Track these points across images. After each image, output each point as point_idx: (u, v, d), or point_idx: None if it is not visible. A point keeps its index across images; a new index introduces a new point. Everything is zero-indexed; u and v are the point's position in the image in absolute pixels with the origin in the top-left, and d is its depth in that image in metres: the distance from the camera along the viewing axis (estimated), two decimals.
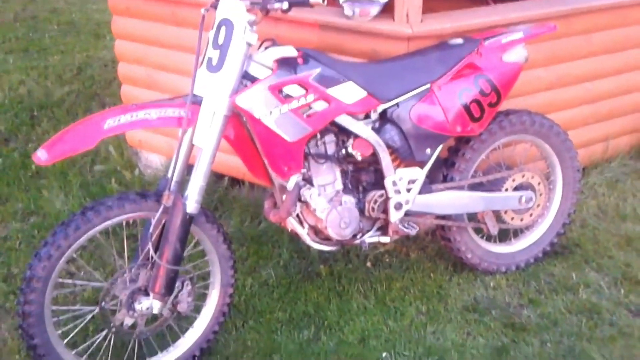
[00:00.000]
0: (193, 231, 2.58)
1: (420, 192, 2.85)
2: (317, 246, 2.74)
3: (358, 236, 2.81)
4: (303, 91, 2.50)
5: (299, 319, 2.92)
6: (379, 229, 2.86)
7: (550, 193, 3.26)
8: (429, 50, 2.84)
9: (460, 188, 2.95)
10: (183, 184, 2.48)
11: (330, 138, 2.67)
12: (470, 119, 2.82)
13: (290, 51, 2.53)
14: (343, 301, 3.04)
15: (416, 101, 2.73)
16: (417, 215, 2.90)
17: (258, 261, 3.30)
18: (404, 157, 2.77)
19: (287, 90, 2.49)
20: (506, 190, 3.06)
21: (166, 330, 2.63)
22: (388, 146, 2.73)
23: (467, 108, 2.79)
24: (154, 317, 2.55)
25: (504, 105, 2.96)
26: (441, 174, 2.99)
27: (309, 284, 3.13)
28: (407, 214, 2.86)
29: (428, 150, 2.80)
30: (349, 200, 2.71)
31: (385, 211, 2.80)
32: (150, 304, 2.46)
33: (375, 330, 2.86)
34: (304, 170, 2.65)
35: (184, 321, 2.69)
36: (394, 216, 2.80)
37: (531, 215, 3.15)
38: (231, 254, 2.67)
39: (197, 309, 2.68)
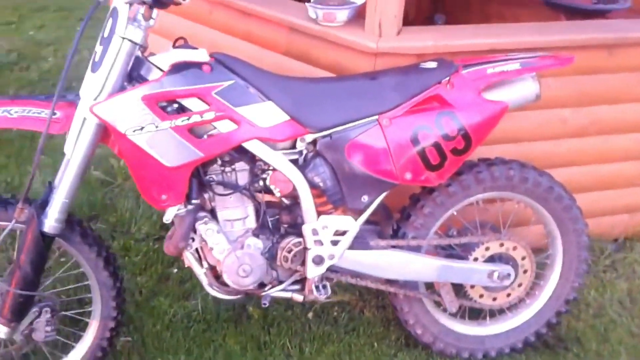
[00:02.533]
0: (69, 251, 2.11)
1: (352, 247, 2.18)
2: (213, 292, 2.17)
3: (267, 287, 2.19)
4: (205, 107, 1.93)
5: None
6: (297, 282, 2.23)
7: (546, 270, 2.46)
8: (390, 72, 2.18)
9: (414, 249, 2.24)
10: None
11: (242, 166, 2.09)
12: (426, 166, 2.12)
13: (198, 55, 1.97)
14: (261, 355, 2.44)
15: (356, 135, 2.07)
16: (349, 274, 2.23)
17: (195, 287, 2.76)
18: (334, 201, 2.13)
19: (185, 103, 1.93)
20: (475, 260, 2.31)
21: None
22: (313, 186, 2.09)
23: (421, 152, 2.10)
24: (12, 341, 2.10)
25: (499, 150, 2.23)
26: (391, 227, 2.30)
27: (233, 326, 2.57)
28: (333, 270, 2.20)
29: (364, 198, 2.13)
30: (254, 244, 2.11)
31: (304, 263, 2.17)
32: None
33: None
34: (206, 200, 2.09)
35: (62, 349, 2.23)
36: (312, 271, 2.17)
37: (508, 295, 2.38)
38: (114, 283, 2.17)
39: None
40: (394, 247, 2.25)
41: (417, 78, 2.14)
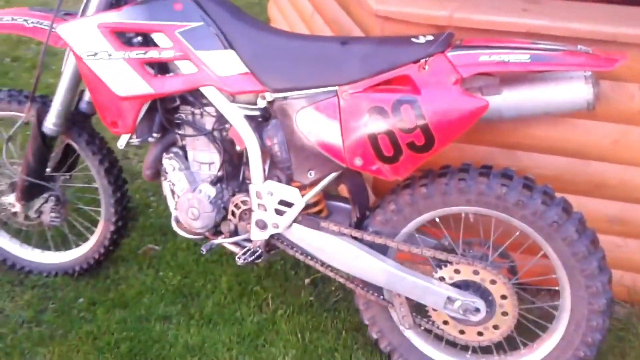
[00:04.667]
0: (80, 153, 2.33)
1: (301, 222, 1.97)
2: (174, 227, 2.18)
3: (221, 237, 2.12)
4: (170, 44, 1.90)
5: None
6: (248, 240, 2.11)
7: (553, 322, 1.91)
8: (366, 41, 1.85)
9: (379, 247, 1.93)
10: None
11: (207, 111, 2.01)
12: (377, 156, 1.77)
13: None
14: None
15: (311, 103, 1.83)
16: (296, 250, 2.03)
17: None
18: (281, 169, 1.93)
19: (154, 36, 1.92)
20: (440, 279, 1.89)
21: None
22: (264, 147, 1.93)
23: (373, 138, 1.76)
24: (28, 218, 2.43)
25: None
26: (355, 215, 2.00)
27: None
28: (280, 239, 2.03)
29: (311, 173, 1.89)
30: (206, 190, 2.05)
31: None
32: (12, 202, 2.35)
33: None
34: (178, 138, 2.08)
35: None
36: (255, 234, 2.02)
37: (480, 335, 1.91)
38: (114, 191, 2.34)
39: None
40: (345, 235, 1.95)
41: (392, 52, 1.76)
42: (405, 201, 1.88)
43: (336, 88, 1.80)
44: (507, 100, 1.81)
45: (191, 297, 2.45)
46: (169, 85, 1.93)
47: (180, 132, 2.06)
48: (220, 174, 2.06)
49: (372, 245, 1.94)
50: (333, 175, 1.89)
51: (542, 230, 1.77)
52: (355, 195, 2.00)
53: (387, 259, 1.93)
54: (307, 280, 2.48)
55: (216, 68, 1.89)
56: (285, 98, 1.86)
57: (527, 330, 1.99)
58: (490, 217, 1.85)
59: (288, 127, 1.87)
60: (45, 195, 2.36)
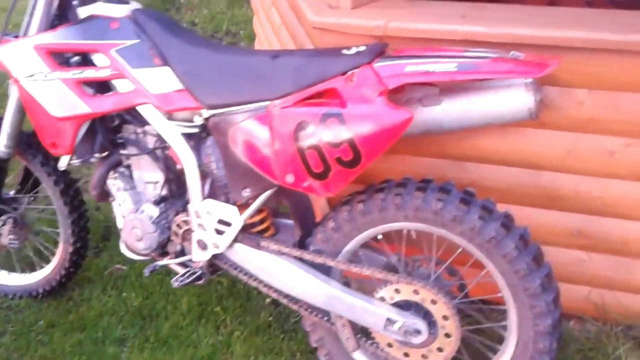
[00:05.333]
0: (37, 176, 2.31)
1: (242, 242, 1.90)
2: (122, 249, 2.13)
3: (167, 258, 2.07)
4: (107, 63, 1.87)
5: None
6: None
7: (502, 345, 1.80)
8: (296, 54, 1.78)
9: (320, 267, 1.85)
10: None
11: (148, 129, 1.97)
12: (308, 172, 1.70)
13: (116, 10, 1.90)
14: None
15: (243, 119, 1.77)
16: (240, 271, 1.96)
17: None
18: (220, 188, 1.87)
19: (93, 56, 1.89)
20: (381, 299, 1.80)
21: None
22: (200, 166, 1.88)
23: (302, 154, 1.68)
24: None
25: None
26: (297, 233, 1.93)
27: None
28: (221, 259, 1.96)
29: (246, 191, 1.82)
30: (148, 210, 2.00)
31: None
32: None
33: None
34: (122, 157, 2.04)
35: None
36: (197, 255, 1.96)
37: (425, 358, 1.80)
38: (71, 212, 2.31)
39: None
40: (286, 255, 1.87)
41: (320, 65, 1.69)
42: (344, 218, 1.80)
43: (267, 103, 1.73)
44: (446, 111, 1.73)
45: (150, 318, 2.40)
46: (106, 104, 1.89)
47: (122, 151, 2.01)
48: (163, 193, 2.01)
49: (314, 265, 1.85)
50: (268, 193, 1.82)
51: (481, 246, 1.67)
52: (297, 212, 1.92)
53: (329, 279, 1.84)
54: (267, 300, 2.40)
55: (151, 86, 1.84)
56: (219, 114, 1.80)
57: (479, 353, 1.88)
58: (432, 233, 1.76)
59: (223, 144, 1.81)
60: (3, 217, 2.34)
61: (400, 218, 1.74)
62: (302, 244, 1.91)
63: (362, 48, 1.70)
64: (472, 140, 1.91)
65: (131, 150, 2.01)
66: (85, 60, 1.91)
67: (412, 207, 1.70)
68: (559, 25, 1.69)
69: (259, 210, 1.93)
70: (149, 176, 2.03)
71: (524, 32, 1.65)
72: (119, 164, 2.05)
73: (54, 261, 2.45)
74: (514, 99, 1.67)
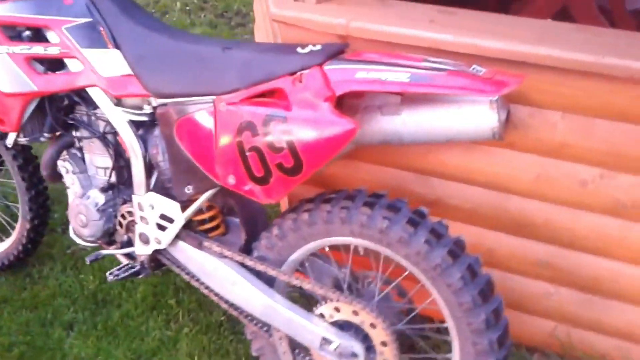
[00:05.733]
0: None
1: (185, 239, 1.80)
2: (72, 234, 2.05)
3: (113, 247, 1.98)
4: (57, 40, 1.78)
5: None
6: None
7: None
8: (249, 47, 1.67)
9: (263, 275, 1.74)
10: None
11: (98, 113, 1.88)
12: (249, 175, 1.58)
13: None
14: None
15: (189, 112, 1.66)
16: (183, 270, 1.87)
17: None
18: (163, 182, 1.77)
19: (46, 32, 1.80)
20: (320, 316, 1.68)
21: None
22: (145, 156, 1.78)
23: (244, 156, 1.57)
24: None
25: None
26: (243, 237, 1.82)
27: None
28: (165, 255, 1.87)
29: (189, 188, 1.72)
30: (94, 197, 1.92)
31: None
32: None
33: None
34: (75, 139, 1.95)
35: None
36: (139, 248, 1.87)
37: None
38: (28, 188, 2.24)
39: None
40: (227, 258, 1.77)
41: (271, 62, 1.57)
42: (289, 227, 1.68)
43: (214, 97, 1.61)
44: (406, 122, 1.60)
45: (103, 304, 2.33)
46: (54, 83, 1.80)
47: (72, 133, 1.92)
48: (112, 180, 1.91)
49: (258, 272, 1.75)
50: (211, 192, 1.71)
51: (426, 272, 1.55)
52: (244, 215, 1.81)
53: (269, 289, 1.73)
54: None
55: (100, 68, 1.74)
56: (166, 105, 1.69)
57: None
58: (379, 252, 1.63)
59: (169, 136, 1.71)
60: None
61: (346, 233, 1.62)
62: (247, 249, 1.80)
63: (318, 47, 1.56)
64: (437, 154, 1.77)
65: (82, 133, 1.92)
66: (39, 36, 1.81)
67: (358, 222, 1.58)
68: (532, 40, 1.53)
69: (209, 207, 1.83)
70: (100, 161, 1.94)
71: (492, 44, 1.50)
72: (70, 145, 1.96)
73: (13, 236, 2.39)
74: (477, 116, 1.52)
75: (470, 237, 1.72)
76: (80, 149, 1.97)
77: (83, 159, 1.97)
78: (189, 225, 1.83)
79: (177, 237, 1.81)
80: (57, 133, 1.94)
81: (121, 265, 1.88)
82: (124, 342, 2.16)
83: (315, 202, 1.66)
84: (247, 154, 1.56)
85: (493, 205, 1.79)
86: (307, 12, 1.66)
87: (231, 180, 1.62)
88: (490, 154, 1.71)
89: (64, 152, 1.97)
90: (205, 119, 1.63)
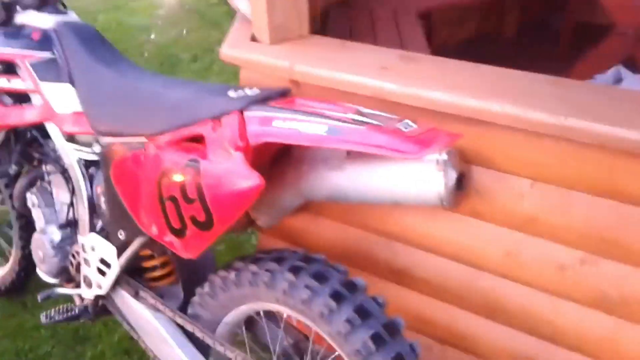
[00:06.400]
0: None
1: (122, 286, 1.70)
2: (38, 270, 2.00)
3: (71, 285, 1.91)
4: (23, 74, 1.77)
5: None
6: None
7: None
8: (185, 88, 1.52)
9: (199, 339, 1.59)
10: None
11: (67, 147, 1.83)
12: (168, 226, 1.45)
13: (43, 21, 1.78)
14: None
15: (124, 153, 1.56)
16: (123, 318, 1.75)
17: None
18: (102, 226, 1.68)
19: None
20: None
21: None
22: (89, 196, 1.70)
23: (163, 204, 1.44)
24: None
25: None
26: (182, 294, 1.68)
27: None
28: (108, 300, 1.77)
29: (121, 234, 1.61)
30: (51, 233, 1.85)
31: None
32: None
33: None
34: (44, 172, 1.92)
35: None
36: (84, 292, 1.78)
37: None
38: (18, 217, 2.24)
39: None
40: (160, 312, 1.62)
41: (198, 104, 1.42)
42: (219, 285, 1.51)
43: (144, 140, 1.49)
44: (351, 179, 1.39)
45: (81, 341, 2.25)
46: (13, 117, 1.76)
47: (36, 166, 1.88)
48: (70, 217, 1.84)
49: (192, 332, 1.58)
50: (141, 240, 1.57)
51: (349, 357, 1.31)
52: (181, 266, 1.66)
53: (196, 353, 1.56)
54: None
55: (55, 103, 1.68)
56: (108, 144, 1.59)
57: None
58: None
59: (107, 177, 1.60)
60: None
61: (272, 299, 1.42)
62: (186, 305, 1.64)
63: (254, 92, 1.40)
64: (399, 217, 1.54)
65: (46, 167, 1.86)
66: (10, 69, 1.79)
67: (281, 289, 1.38)
68: (487, 94, 1.27)
69: (161, 252, 1.70)
70: (63, 196, 1.87)
71: (438, 96, 1.26)
72: (40, 178, 1.92)
73: (9, 263, 2.39)
74: (421, 177, 1.29)
75: (442, 315, 1.47)
76: (50, 183, 1.92)
77: (51, 194, 1.91)
78: (138, 271, 1.71)
79: (118, 283, 1.69)
80: (26, 167, 1.90)
81: (58, 307, 1.78)
82: None
83: (246, 261, 1.48)
84: (166, 203, 1.41)
85: (462, 281, 1.52)
86: (254, 53, 1.50)
87: (154, 229, 1.48)
88: (456, 221, 1.46)
89: (34, 186, 1.92)
90: (135, 162, 1.50)
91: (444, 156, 1.29)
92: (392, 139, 1.15)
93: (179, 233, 1.42)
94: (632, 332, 1.30)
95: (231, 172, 1.28)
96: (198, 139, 1.40)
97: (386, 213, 1.56)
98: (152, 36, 5.08)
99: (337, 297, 1.32)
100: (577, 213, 1.28)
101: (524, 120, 1.18)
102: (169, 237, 1.44)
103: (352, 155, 1.38)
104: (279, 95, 1.39)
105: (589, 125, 1.13)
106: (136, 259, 1.69)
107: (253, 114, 1.31)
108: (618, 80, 2.67)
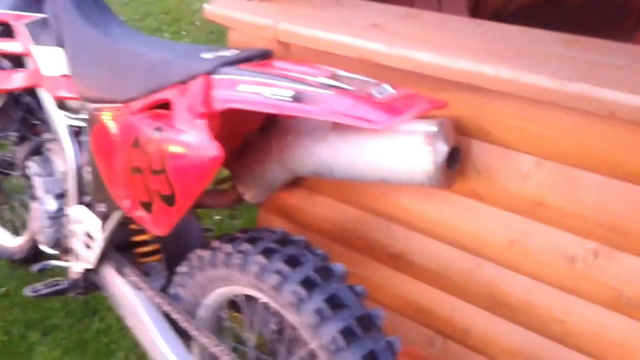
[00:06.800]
0: None
1: (109, 263, 1.62)
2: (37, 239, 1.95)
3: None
4: (19, 36, 1.71)
5: None
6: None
7: None
8: (162, 50, 1.40)
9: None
10: None
11: (57, 114, 1.76)
12: (138, 200, 1.35)
13: None
14: None
15: (102, 120, 1.47)
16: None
17: None
18: (88, 194, 1.61)
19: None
20: None
21: None
22: (77, 163, 1.63)
23: (133, 176, 1.34)
24: None
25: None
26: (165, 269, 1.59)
27: None
28: (98, 275, 1.70)
29: (102, 207, 1.52)
30: (47, 202, 1.80)
31: None
32: None
33: None
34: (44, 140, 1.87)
35: None
36: (74, 265, 1.72)
37: None
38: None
39: None
40: (141, 290, 1.53)
41: (170, 67, 1.30)
42: (196, 265, 1.40)
43: (121, 105, 1.39)
44: (335, 152, 1.25)
45: (90, 314, 2.21)
46: (8, 81, 1.70)
47: (36, 134, 1.81)
48: (66, 187, 1.77)
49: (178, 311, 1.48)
50: (119, 213, 1.48)
51: (320, 350, 1.17)
52: (166, 242, 1.56)
53: (173, 336, 1.46)
54: None
55: (44, 66, 1.60)
56: (93, 110, 1.50)
57: None
58: None
59: (88, 144, 1.52)
60: None
61: (245, 283, 1.30)
62: (167, 283, 1.54)
63: (231, 53, 1.26)
64: (395, 196, 1.37)
65: (45, 135, 1.80)
66: (9, 32, 1.72)
67: (252, 273, 1.25)
68: (481, 56, 1.08)
69: None
70: (62, 165, 1.80)
71: (426, 58, 1.08)
72: (41, 146, 1.86)
73: (27, 232, 2.37)
74: (409, 152, 1.13)
75: (443, 306, 1.31)
76: (50, 151, 1.85)
77: (51, 163, 1.85)
78: (129, 246, 1.63)
79: (105, 257, 1.61)
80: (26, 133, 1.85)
81: (47, 281, 1.72)
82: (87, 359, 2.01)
83: (222, 240, 1.36)
84: (135, 175, 1.31)
85: (464, 270, 1.34)
86: (237, 10, 1.36)
87: (126, 203, 1.37)
88: (455, 203, 1.28)
89: (37, 154, 1.86)
90: (111, 129, 1.40)
91: (434, 127, 1.12)
92: (359, 106, 0.99)
93: (147, 207, 1.31)
94: None
95: (191, 142, 1.15)
96: (169, 106, 1.28)
97: (383, 191, 1.40)
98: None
99: (308, 284, 1.18)
100: (588, 198, 1.08)
101: (521, 85, 0.99)
102: (140, 212, 1.34)
103: (338, 125, 1.23)
104: (259, 57, 1.25)
105: (600, 91, 0.93)
106: (126, 232, 1.60)
107: (221, 77, 1.17)
108: None
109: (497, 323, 1.35)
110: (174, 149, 1.19)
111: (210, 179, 1.15)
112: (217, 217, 2.63)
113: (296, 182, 1.60)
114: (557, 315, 1.23)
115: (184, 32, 4.51)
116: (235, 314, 1.49)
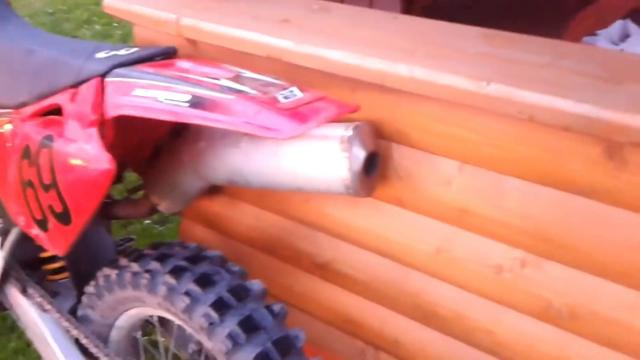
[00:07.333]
0: None
1: (13, 283, 1.47)
2: None
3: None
4: None
5: None
6: None
7: None
8: (54, 48, 1.26)
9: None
10: None
11: None
12: (32, 217, 1.21)
13: None
14: None
15: None
16: None
17: None
18: None
19: None
20: None
21: None
22: None
23: (24, 191, 1.20)
24: None
25: None
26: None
27: None
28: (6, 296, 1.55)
29: (0, 222, 1.38)
30: None
31: None
32: None
33: None
34: None
35: None
36: None
37: None
38: None
39: None
40: (47, 312, 1.40)
41: (61, 69, 1.17)
42: (102, 285, 1.27)
43: (12, 111, 1.25)
44: (249, 159, 1.14)
45: (6, 333, 2.06)
46: None
47: None
48: None
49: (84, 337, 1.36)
50: (17, 230, 1.34)
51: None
52: (72, 260, 1.43)
53: (79, 358, 1.34)
54: None
55: None
56: None
57: None
58: None
59: None
60: None
61: (155, 305, 1.18)
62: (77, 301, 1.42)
63: (129, 52, 1.14)
64: (317, 203, 1.28)
65: None
66: None
67: (161, 295, 1.14)
68: (401, 55, 0.99)
69: None
70: None
71: (336, 56, 0.98)
72: None
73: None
74: (324, 158, 1.03)
75: (372, 317, 1.23)
76: None
77: None
78: (35, 263, 1.49)
79: (7, 276, 1.47)
80: None
81: None
82: None
83: (130, 258, 1.24)
84: (27, 189, 1.17)
85: (392, 280, 1.27)
86: (138, 4, 1.23)
87: (21, 220, 1.24)
88: (380, 210, 1.20)
89: None
90: (5, 138, 1.26)
91: (349, 132, 1.02)
92: (261, 112, 0.89)
93: (42, 225, 1.18)
94: (582, 350, 1.04)
95: (83, 152, 1.03)
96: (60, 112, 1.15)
97: (304, 198, 1.31)
98: None
99: (220, 306, 1.08)
100: (513, 204, 1.01)
101: (436, 86, 0.91)
102: (35, 230, 1.21)
103: None
104: (161, 56, 1.13)
105: (518, 93, 0.85)
106: (33, 248, 1.46)
107: (115, 80, 1.05)
108: (625, 36, 2.33)
109: (428, 334, 1.28)
110: (64, 161, 1.06)
111: (104, 193, 1.03)
112: (147, 222, 2.50)
113: (217, 189, 1.49)
114: (487, 326, 1.17)
115: (115, 24, 4.31)
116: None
